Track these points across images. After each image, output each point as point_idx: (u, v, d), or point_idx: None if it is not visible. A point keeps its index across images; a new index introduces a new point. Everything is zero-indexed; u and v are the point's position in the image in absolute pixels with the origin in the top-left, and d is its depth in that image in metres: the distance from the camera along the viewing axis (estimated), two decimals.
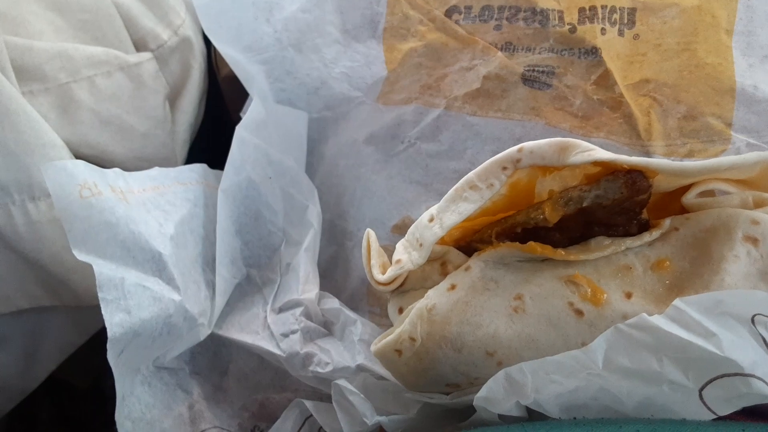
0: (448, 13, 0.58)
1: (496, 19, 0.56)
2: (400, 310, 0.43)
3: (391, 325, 0.43)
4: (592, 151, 0.37)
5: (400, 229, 0.55)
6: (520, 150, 0.39)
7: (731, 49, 0.51)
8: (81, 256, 0.44)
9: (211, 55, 0.69)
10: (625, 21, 0.53)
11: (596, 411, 0.36)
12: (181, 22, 0.64)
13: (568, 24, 0.54)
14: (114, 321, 0.43)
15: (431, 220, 0.41)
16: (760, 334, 0.33)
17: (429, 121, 0.56)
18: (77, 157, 0.54)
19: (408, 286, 0.44)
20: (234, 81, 0.63)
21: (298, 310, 0.52)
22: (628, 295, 0.38)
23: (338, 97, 0.61)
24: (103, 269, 0.44)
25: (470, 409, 0.40)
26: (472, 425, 0.41)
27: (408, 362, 0.41)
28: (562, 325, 0.38)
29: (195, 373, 0.53)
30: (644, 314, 0.34)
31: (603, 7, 0.54)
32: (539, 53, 0.54)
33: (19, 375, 0.56)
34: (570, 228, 0.40)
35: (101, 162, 0.56)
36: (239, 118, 0.58)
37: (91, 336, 0.58)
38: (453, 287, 0.40)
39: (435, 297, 0.40)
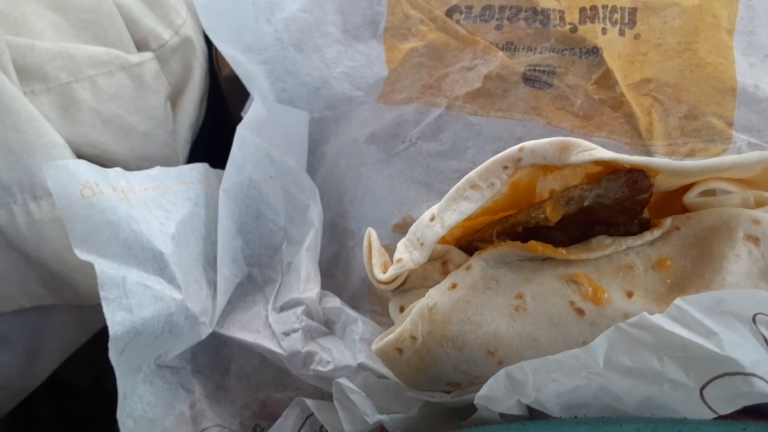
0: (449, 13, 0.58)
1: (497, 19, 0.56)
2: (401, 309, 0.44)
3: (392, 324, 0.43)
4: (593, 150, 0.38)
5: (401, 229, 0.56)
6: (521, 149, 0.39)
7: (732, 48, 0.51)
8: (82, 255, 0.44)
9: (212, 55, 0.69)
10: (626, 21, 0.53)
11: (597, 410, 0.36)
12: (183, 21, 0.64)
13: (569, 24, 0.54)
14: (115, 320, 0.43)
15: (432, 219, 0.41)
16: (761, 334, 0.33)
17: (430, 121, 0.56)
18: (79, 156, 0.54)
19: (409, 285, 0.44)
20: (235, 81, 0.63)
21: (300, 309, 0.52)
22: (629, 294, 0.38)
23: (339, 96, 0.61)
24: (105, 268, 0.44)
25: (471, 408, 0.40)
26: (473, 424, 0.41)
27: (409, 361, 0.41)
28: (563, 324, 0.38)
29: (196, 371, 0.53)
30: (645, 313, 0.34)
31: (604, 6, 0.54)
32: (540, 53, 0.55)
33: (21, 374, 0.56)
34: (571, 227, 0.40)
35: (103, 161, 0.56)
36: (240, 118, 0.58)
37: (93, 335, 0.58)
38: (454, 286, 0.40)
39: (436, 296, 0.40)
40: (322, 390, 0.50)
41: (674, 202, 0.41)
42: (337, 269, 0.59)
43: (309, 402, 0.47)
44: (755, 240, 0.37)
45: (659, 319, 0.33)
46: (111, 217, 0.46)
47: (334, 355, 0.49)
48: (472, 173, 0.40)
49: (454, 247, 0.44)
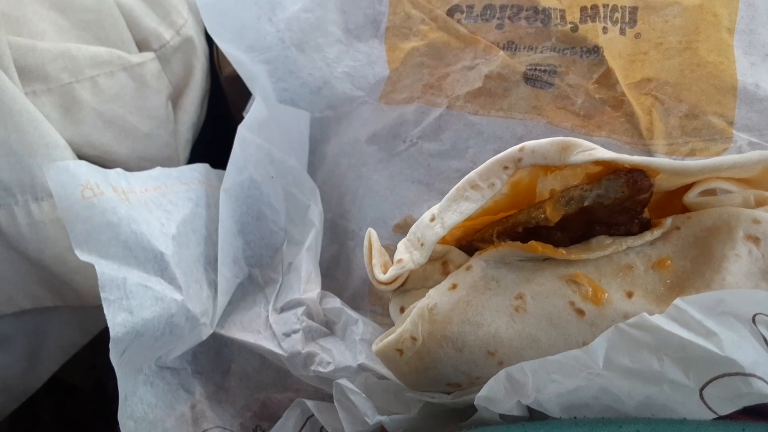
0: (450, 13, 0.58)
1: (498, 18, 0.56)
2: (402, 310, 0.44)
3: (393, 325, 0.43)
4: (593, 150, 0.37)
5: (402, 229, 0.56)
6: (521, 149, 0.39)
7: (733, 47, 0.51)
8: (83, 256, 0.44)
9: (214, 55, 0.70)
10: (627, 20, 0.53)
11: (597, 410, 0.36)
12: (184, 21, 0.64)
13: (569, 23, 0.54)
14: (116, 321, 0.43)
15: (432, 219, 0.41)
16: (761, 334, 0.33)
17: (431, 121, 0.56)
18: (80, 157, 0.54)
19: (409, 286, 0.44)
20: (236, 81, 0.63)
21: (300, 310, 0.52)
22: (629, 295, 0.38)
23: (340, 96, 0.61)
24: (105, 269, 0.44)
25: (471, 409, 0.40)
26: (473, 425, 0.41)
27: (409, 362, 0.41)
28: (563, 324, 0.38)
29: (197, 372, 0.53)
30: (645, 314, 0.34)
31: (605, 6, 0.53)
32: (541, 52, 0.54)
33: (22, 375, 0.56)
34: (571, 227, 0.40)
35: (104, 162, 0.56)
36: (241, 118, 0.58)
37: (94, 336, 0.58)
38: (454, 286, 0.40)
39: (436, 296, 0.40)
40: (323, 391, 0.50)
41: (674, 201, 0.41)
42: (338, 270, 0.59)
43: (309, 403, 0.47)
44: (755, 240, 0.37)
45: (659, 320, 0.33)
46: (112, 218, 0.46)
47: (335, 355, 0.49)
48: (472, 173, 0.40)
49: (454, 248, 0.44)
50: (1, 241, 0.50)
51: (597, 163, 0.38)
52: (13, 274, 0.51)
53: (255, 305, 0.54)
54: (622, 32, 0.53)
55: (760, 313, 0.33)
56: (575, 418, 0.36)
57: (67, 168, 0.46)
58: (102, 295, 0.43)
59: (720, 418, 0.34)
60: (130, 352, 0.44)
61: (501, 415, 0.38)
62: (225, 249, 0.54)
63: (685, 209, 0.41)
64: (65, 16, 0.57)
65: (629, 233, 0.40)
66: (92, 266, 0.43)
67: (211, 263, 0.54)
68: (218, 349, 0.54)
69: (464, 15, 0.58)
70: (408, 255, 0.42)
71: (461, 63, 0.57)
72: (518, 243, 0.40)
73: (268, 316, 0.53)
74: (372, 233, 0.44)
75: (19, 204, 0.50)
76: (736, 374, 0.32)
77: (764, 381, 0.32)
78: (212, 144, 0.67)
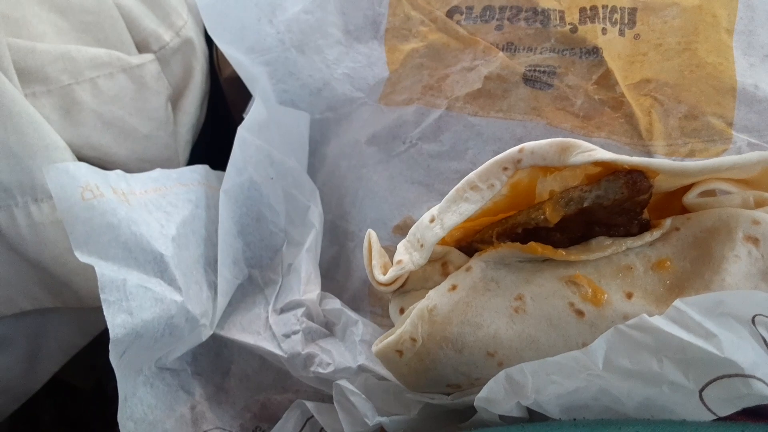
0: (450, 14, 0.58)
1: (497, 20, 0.56)
2: (401, 311, 0.44)
3: (393, 326, 0.43)
4: (592, 151, 0.37)
5: (402, 230, 0.56)
6: (521, 150, 0.39)
7: (732, 48, 0.51)
8: (83, 257, 0.44)
9: (213, 56, 0.70)
10: (626, 21, 0.53)
11: (597, 412, 0.36)
12: (183, 23, 0.64)
13: (569, 24, 0.54)
14: (116, 322, 0.43)
15: (432, 220, 0.41)
16: (761, 335, 0.33)
17: (430, 122, 0.56)
18: (80, 158, 0.54)
19: (409, 287, 0.44)
20: (236, 82, 0.63)
21: (300, 311, 0.52)
22: (629, 296, 0.38)
23: (340, 98, 0.61)
24: (105, 271, 0.44)
25: (471, 410, 0.40)
26: (473, 426, 0.41)
27: (409, 363, 0.41)
28: (563, 325, 0.38)
29: (197, 373, 0.53)
30: (644, 315, 0.34)
31: (604, 6, 0.53)
32: (540, 53, 0.54)
33: (22, 376, 0.56)
34: (571, 228, 0.40)
35: (104, 163, 0.56)
36: (241, 119, 0.58)
37: (94, 337, 0.58)
38: (454, 288, 0.40)
39: (436, 297, 0.40)
40: (323, 392, 0.50)
41: (674, 202, 0.41)
42: (338, 271, 0.59)
43: (309, 404, 0.47)
44: (755, 241, 0.37)
45: (658, 321, 0.33)
46: (111, 220, 0.46)
47: (335, 356, 0.49)
48: (471, 174, 0.40)
49: (454, 249, 0.44)
50: (1, 242, 0.50)
51: (596, 164, 0.38)
52: (13, 275, 0.51)
53: (255, 306, 0.54)
54: (622, 33, 0.53)
55: (760, 314, 0.33)
56: (575, 419, 0.36)
57: (66, 169, 0.46)
58: (102, 296, 0.43)
59: (719, 419, 0.34)
60: (129, 354, 0.44)
61: (500, 416, 0.38)
62: (225, 250, 0.54)
63: (685, 210, 0.41)
64: (65, 18, 0.57)
65: (629, 234, 0.40)
66: (92, 268, 0.43)
67: (210, 264, 0.54)
68: (218, 351, 0.54)
69: (464, 16, 0.58)
70: (408, 256, 0.42)
71: (461, 64, 0.57)
72: (518, 244, 0.40)
73: (267, 317, 0.53)
74: (372, 234, 0.44)
75: (19, 205, 0.50)
76: (736, 375, 0.32)
77: (764, 382, 0.32)
78: (212, 145, 0.67)
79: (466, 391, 0.42)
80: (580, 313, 0.37)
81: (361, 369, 0.48)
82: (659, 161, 0.37)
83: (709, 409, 0.34)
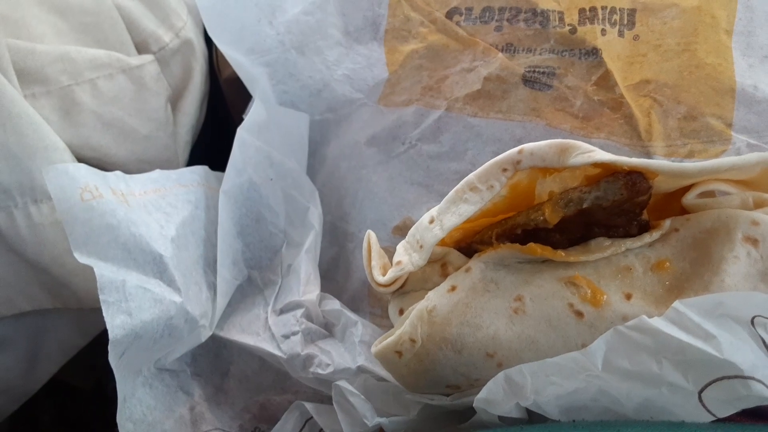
0: (449, 15, 0.58)
1: (496, 21, 0.56)
2: (401, 312, 0.44)
3: (392, 327, 0.43)
4: (592, 152, 0.38)
5: (401, 231, 0.56)
6: (520, 152, 0.39)
7: (731, 49, 0.51)
8: (82, 258, 0.44)
9: (213, 57, 0.70)
10: (625, 22, 0.53)
11: (596, 413, 0.36)
12: (183, 24, 0.64)
13: (568, 25, 0.54)
14: (115, 323, 0.43)
15: (432, 221, 0.41)
16: (760, 336, 0.33)
17: (430, 123, 0.56)
18: (79, 159, 0.54)
19: (408, 288, 0.44)
20: (235, 83, 0.63)
21: (299, 312, 0.52)
22: (628, 297, 0.38)
23: (340, 99, 0.61)
24: (104, 271, 0.44)
25: (470, 411, 0.40)
26: (472, 427, 0.41)
27: (408, 363, 0.41)
28: (562, 326, 0.38)
29: (196, 374, 0.53)
30: (644, 316, 0.34)
31: (603, 8, 0.53)
32: (540, 54, 0.54)
33: (22, 377, 0.56)
34: (570, 229, 0.40)
35: (103, 164, 0.56)
36: (241, 120, 0.58)
37: (93, 338, 0.58)
38: (453, 288, 0.40)
39: (435, 298, 0.40)
40: (322, 393, 0.50)
41: (673, 203, 0.41)
42: (337, 272, 0.59)
43: (308, 405, 0.47)
44: (754, 241, 0.37)
45: (658, 322, 0.33)
46: (111, 221, 0.46)
47: (334, 357, 0.49)
48: (471, 176, 0.40)
49: (453, 250, 0.44)
50: (0, 243, 0.50)
51: (596, 165, 0.38)
52: (12, 276, 0.51)
53: (254, 307, 0.54)
54: (621, 34, 0.53)
55: (759, 316, 0.33)
56: (574, 421, 0.36)
57: (66, 170, 0.46)
58: (101, 297, 0.43)
59: (719, 420, 0.34)
60: (129, 354, 0.44)
61: (500, 417, 0.38)
62: (224, 251, 0.54)
63: (684, 211, 0.41)
64: (64, 19, 0.57)
65: (628, 235, 0.40)
66: (91, 268, 0.43)
67: (210, 265, 0.54)
68: (217, 351, 0.54)
69: (463, 17, 0.58)
70: (407, 257, 0.42)
71: (460, 65, 0.57)
72: (517, 245, 0.40)
73: (267, 318, 0.53)
74: (371, 235, 0.44)
75: (19, 206, 0.50)
76: (735, 377, 0.32)
77: (763, 384, 0.32)
78: (211, 146, 0.67)
79: (466, 392, 0.42)
80: (579, 314, 0.37)
81: (361, 370, 0.48)
82: (658, 162, 0.37)
83: (708, 411, 0.34)
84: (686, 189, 0.40)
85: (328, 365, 0.49)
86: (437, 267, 0.43)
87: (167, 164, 0.61)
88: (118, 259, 0.46)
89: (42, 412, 0.72)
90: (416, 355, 0.40)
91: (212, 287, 0.53)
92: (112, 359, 0.42)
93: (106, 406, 0.50)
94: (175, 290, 0.48)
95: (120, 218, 0.47)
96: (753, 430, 0.34)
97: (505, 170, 0.39)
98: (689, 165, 0.37)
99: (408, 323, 0.40)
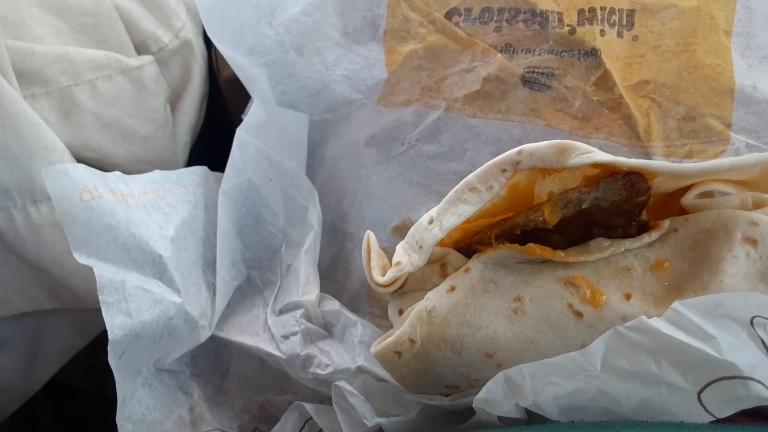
0: (448, 16, 0.58)
1: (495, 21, 0.56)
2: (400, 312, 0.44)
3: (392, 327, 0.43)
4: (591, 153, 0.38)
5: (401, 231, 0.56)
6: (519, 152, 0.39)
7: (730, 50, 0.51)
8: (82, 259, 0.44)
9: (212, 58, 0.70)
10: (624, 22, 0.53)
11: (595, 413, 0.36)
12: (182, 25, 0.64)
13: (567, 26, 0.54)
14: (115, 323, 0.43)
15: (431, 222, 0.41)
16: (759, 337, 0.33)
17: (429, 123, 0.56)
18: (78, 160, 0.54)
19: (408, 288, 0.44)
20: (235, 83, 0.63)
21: (299, 312, 0.52)
22: (628, 297, 0.38)
23: (339, 99, 0.61)
24: (104, 272, 0.44)
25: (470, 411, 0.40)
26: (472, 427, 0.41)
27: (408, 364, 0.41)
28: (562, 326, 0.38)
29: (196, 375, 0.53)
30: (643, 317, 0.34)
31: (602, 8, 0.54)
32: (539, 55, 0.55)
33: (22, 377, 0.56)
34: (569, 229, 0.40)
35: (102, 165, 0.56)
36: (240, 121, 0.58)
37: (93, 338, 0.58)
38: (452, 289, 0.40)
39: (435, 299, 0.40)
40: (321, 393, 0.50)
41: (672, 204, 0.41)
42: (337, 272, 0.59)
43: (307, 406, 0.47)
44: (753, 242, 0.37)
45: (657, 323, 0.33)
46: (110, 221, 0.46)
47: (333, 358, 0.49)
48: (470, 176, 0.40)
49: (452, 250, 0.43)
50: (0, 243, 0.50)
51: (595, 165, 0.38)
52: (11, 276, 0.51)
53: (253, 308, 0.54)
54: (620, 35, 0.53)
55: (758, 316, 0.33)
56: (573, 421, 0.36)
57: (65, 171, 0.46)
58: (100, 297, 0.43)
59: (718, 420, 0.34)
60: (128, 355, 0.44)
61: (499, 418, 0.38)
62: (223, 251, 0.54)
63: (683, 211, 0.41)
64: (64, 20, 0.57)
65: (627, 235, 0.40)
66: (91, 269, 0.43)
67: (209, 266, 0.54)
68: (217, 352, 0.54)
69: (462, 18, 0.58)
70: (406, 257, 0.42)
71: (459, 66, 0.57)
72: (516, 245, 0.40)
73: (266, 319, 0.53)
74: (370, 236, 0.44)
75: (18, 207, 0.50)
76: (735, 377, 0.32)
77: (762, 384, 0.32)
78: (211, 147, 0.67)
79: (465, 392, 0.42)
80: (578, 314, 0.37)
81: (360, 370, 0.48)
82: (657, 163, 0.37)
83: (707, 411, 0.34)
84: (685, 189, 0.40)
85: (328, 365, 0.49)
86: (436, 267, 0.43)
87: (166, 165, 0.61)
88: (117, 259, 0.46)
89: (42, 413, 0.72)
90: (416, 355, 0.40)
91: (211, 288, 0.53)
92: (112, 359, 0.42)
93: (105, 407, 0.50)
94: (174, 291, 0.48)
95: (119, 219, 0.47)
96: (752, 430, 0.34)
97: (504, 171, 0.39)
98: (688, 165, 0.37)
99: (407, 323, 0.40)
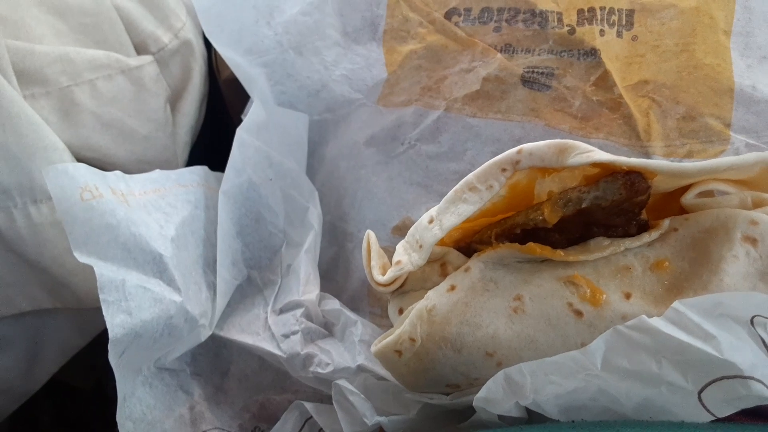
0: (448, 15, 0.58)
1: (495, 21, 0.56)
2: (401, 311, 0.44)
3: (392, 326, 0.43)
4: (591, 152, 0.38)
5: (401, 231, 0.56)
6: (519, 152, 0.39)
7: (729, 49, 0.51)
8: (82, 258, 0.44)
9: (212, 58, 0.70)
10: (624, 22, 0.53)
11: (595, 412, 0.36)
12: (182, 25, 0.64)
13: (567, 25, 0.54)
14: (115, 322, 0.43)
15: (431, 221, 0.41)
16: (760, 336, 0.33)
17: (429, 123, 0.56)
18: (79, 160, 0.54)
19: (408, 287, 0.44)
20: (234, 83, 0.63)
21: (299, 311, 0.52)
22: (628, 296, 0.38)
23: (339, 99, 0.61)
24: (104, 271, 0.44)
25: (470, 410, 0.40)
26: (472, 426, 0.41)
27: (408, 363, 0.41)
28: (562, 325, 0.38)
29: (196, 374, 0.53)
30: (644, 316, 0.34)
31: (601, 8, 0.54)
32: (538, 55, 0.55)
33: (22, 377, 0.56)
34: (569, 229, 0.40)
35: (103, 165, 0.56)
36: (240, 121, 0.58)
37: (93, 337, 0.58)
38: (453, 288, 0.40)
39: (435, 298, 0.40)
40: (322, 392, 0.50)
41: (672, 203, 0.41)
42: (337, 271, 0.59)
43: (308, 405, 0.47)
44: (753, 241, 0.37)
45: (657, 322, 0.33)
46: (110, 220, 0.46)
47: (334, 357, 0.49)
48: (470, 176, 0.40)
49: (452, 249, 0.44)
50: (0, 243, 0.50)
51: (595, 165, 0.38)
52: (12, 276, 0.51)
53: (254, 307, 0.55)
54: (619, 35, 0.53)
55: (759, 315, 0.33)
56: (573, 421, 0.36)
57: (65, 170, 0.46)
58: (101, 296, 0.43)
59: (718, 420, 0.34)
60: (129, 354, 0.44)
61: (499, 417, 0.38)
62: (224, 251, 0.54)
63: (683, 211, 0.41)
64: (63, 20, 0.57)
65: (627, 235, 0.40)
66: (91, 268, 0.43)
67: (209, 265, 0.54)
68: (217, 351, 0.54)
69: (462, 18, 0.58)
70: (406, 257, 0.42)
71: (459, 66, 0.57)
72: (516, 244, 0.40)
73: (267, 318, 0.53)
74: (370, 235, 0.44)
75: (18, 206, 0.50)
76: (735, 377, 0.32)
77: (762, 383, 0.32)
78: (211, 147, 0.67)
79: (465, 391, 0.42)
80: (578, 314, 0.37)
81: (360, 369, 0.48)
82: (657, 162, 0.37)
83: (707, 410, 0.34)
84: (685, 189, 0.40)
85: (328, 364, 0.49)
86: (437, 267, 0.43)
87: (167, 164, 0.61)
88: (117, 258, 0.46)
89: (41, 413, 0.72)
90: (416, 354, 0.40)
91: (212, 287, 0.53)
92: (112, 358, 0.42)
93: (106, 406, 0.50)
94: (174, 290, 0.48)
95: (120, 218, 0.47)
96: (753, 429, 0.34)
97: (504, 170, 0.39)
98: (688, 165, 0.37)
99: (408, 322, 0.40)
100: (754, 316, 0.33)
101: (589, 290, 0.38)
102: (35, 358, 0.56)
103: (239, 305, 0.55)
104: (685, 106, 0.50)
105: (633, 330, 0.34)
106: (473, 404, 0.38)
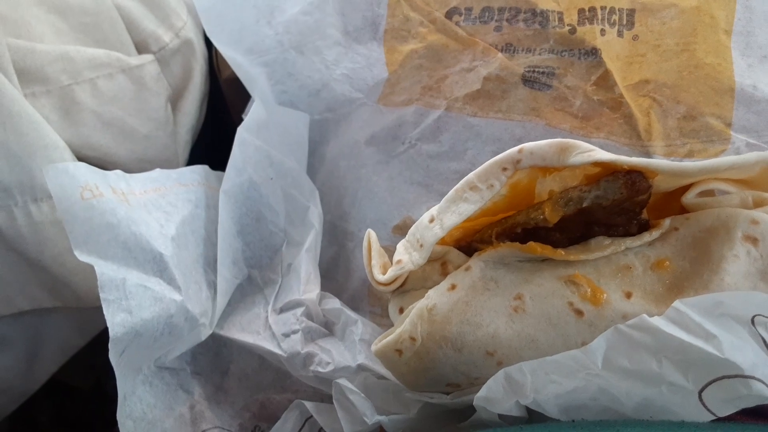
0: (449, 15, 0.58)
1: (496, 21, 0.56)
2: (401, 310, 0.44)
3: (392, 325, 0.43)
4: (591, 151, 0.38)
5: (401, 230, 0.56)
6: (520, 151, 0.39)
7: (730, 49, 0.51)
8: (82, 257, 0.44)
9: (213, 57, 0.70)
10: (624, 22, 0.53)
11: (595, 411, 0.36)
12: (183, 24, 0.64)
13: (567, 25, 0.54)
14: (115, 321, 0.43)
15: (432, 220, 0.41)
16: (760, 336, 0.33)
17: (430, 122, 0.56)
18: (79, 158, 0.54)
19: (408, 287, 0.44)
20: (235, 83, 0.63)
21: (299, 311, 0.52)
22: (628, 295, 0.38)
23: (339, 98, 0.61)
24: (105, 270, 0.44)
25: (470, 409, 0.40)
26: (472, 425, 0.41)
27: (408, 362, 0.41)
28: (562, 324, 0.38)
29: (196, 373, 0.53)
30: (644, 315, 0.34)
31: (602, 8, 0.54)
32: (539, 54, 0.55)
33: (21, 376, 0.56)
34: (570, 228, 0.40)
35: (103, 164, 0.56)
36: (241, 120, 0.58)
37: (93, 337, 0.58)
38: (453, 287, 0.40)
39: (435, 297, 0.40)
40: (322, 391, 0.50)
41: (673, 202, 0.41)
42: (337, 271, 0.59)
43: (308, 404, 0.47)
44: (754, 240, 0.37)
45: (658, 321, 0.33)
46: (111, 219, 0.46)
47: (334, 356, 0.49)
48: (471, 175, 0.40)
49: (453, 248, 0.44)
50: (0, 242, 0.50)
51: (595, 164, 0.38)
52: (12, 275, 0.51)
53: (254, 306, 0.54)
54: (620, 34, 0.53)
55: (759, 315, 0.33)
56: (573, 420, 0.36)
57: (66, 169, 0.46)
58: (101, 295, 0.43)
59: (719, 419, 0.34)
60: (129, 352, 0.44)
61: (500, 416, 0.38)
62: (224, 250, 0.54)
63: (684, 210, 0.41)
64: (64, 19, 0.57)
65: (628, 234, 0.40)
66: (91, 267, 0.43)
67: (210, 264, 0.54)
68: (217, 350, 0.54)
69: (462, 17, 0.58)
70: (407, 256, 0.42)
71: (460, 65, 0.57)
72: (517, 244, 0.40)
73: (267, 317, 0.53)
74: (371, 234, 0.44)
75: (19, 205, 0.50)
76: (736, 376, 0.32)
77: (763, 383, 0.32)
78: (211, 146, 0.67)
79: (466, 391, 0.42)
80: (579, 313, 0.37)
81: (361, 368, 0.48)
82: (658, 161, 0.37)
83: (708, 410, 0.34)
84: (686, 188, 0.40)
85: (329, 363, 0.49)
86: (437, 266, 0.43)
87: (167, 164, 0.61)
88: (118, 257, 0.46)
89: (41, 412, 0.72)
90: (416, 353, 0.40)
91: (212, 286, 0.53)
92: (113, 357, 0.42)
93: (105, 405, 0.50)
94: (175, 289, 0.48)
95: (120, 217, 0.47)
96: (753, 429, 0.34)
97: (505, 169, 0.39)
98: (689, 164, 0.37)
99: (408, 321, 0.40)
100: (754, 316, 0.33)
101: (589, 289, 0.38)
102: (35, 358, 0.56)
103: (240, 304, 0.55)
104: (685, 105, 0.50)
105: (634, 329, 0.34)
106: (473, 403, 0.38)
